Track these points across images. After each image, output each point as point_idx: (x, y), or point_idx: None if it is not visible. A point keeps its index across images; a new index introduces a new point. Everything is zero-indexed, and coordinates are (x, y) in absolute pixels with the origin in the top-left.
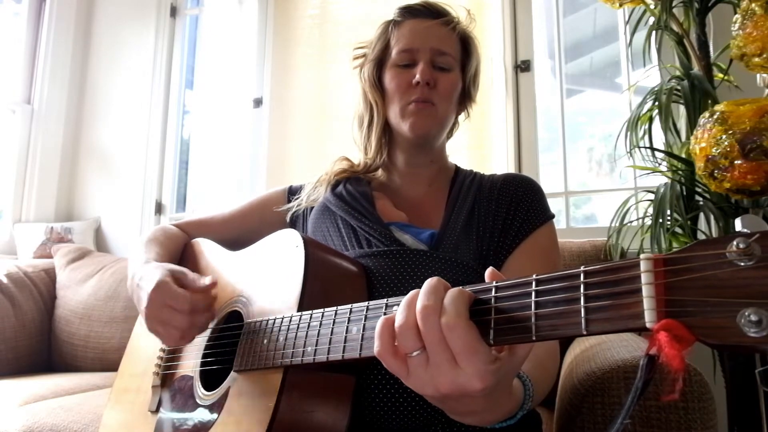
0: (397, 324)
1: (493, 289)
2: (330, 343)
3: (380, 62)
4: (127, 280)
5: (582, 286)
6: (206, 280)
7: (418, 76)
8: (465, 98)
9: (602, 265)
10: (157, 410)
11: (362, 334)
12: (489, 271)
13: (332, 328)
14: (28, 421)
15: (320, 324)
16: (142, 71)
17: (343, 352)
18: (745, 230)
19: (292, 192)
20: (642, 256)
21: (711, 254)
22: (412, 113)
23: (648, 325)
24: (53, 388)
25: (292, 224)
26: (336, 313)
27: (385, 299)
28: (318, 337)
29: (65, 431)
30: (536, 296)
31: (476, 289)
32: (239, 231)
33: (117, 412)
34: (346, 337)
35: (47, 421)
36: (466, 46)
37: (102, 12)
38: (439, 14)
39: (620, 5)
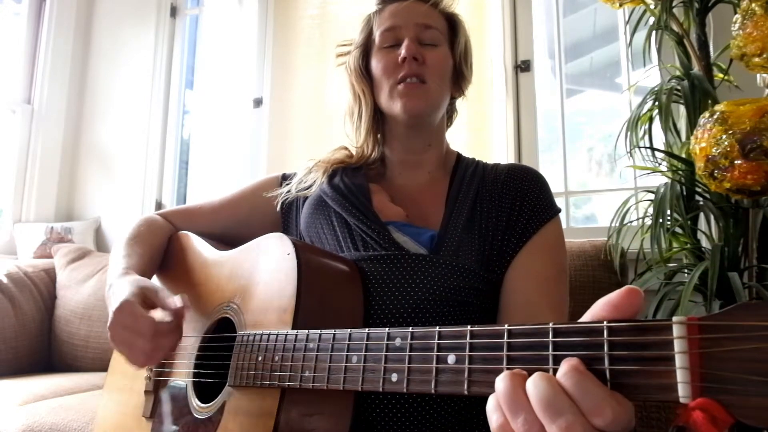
0: None
1: (506, 333)
2: (329, 372)
3: (365, 51)
4: (105, 285)
5: (606, 345)
6: (177, 301)
7: (403, 51)
8: (459, 79)
9: (629, 323)
10: (151, 416)
11: (363, 366)
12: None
13: (331, 355)
14: (28, 420)
15: (317, 347)
16: (142, 71)
17: (344, 383)
18: None
19: (285, 179)
20: (674, 318)
21: (755, 325)
22: (402, 94)
23: (682, 400)
24: (53, 388)
25: (285, 213)
26: (334, 338)
27: (387, 329)
28: (316, 362)
29: (65, 430)
30: (554, 349)
31: (481, 331)
32: (229, 221)
33: (110, 411)
34: (346, 367)
35: (47, 420)
36: (451, 23)
37: (102, 12)
38: None
39: (620, 5)
